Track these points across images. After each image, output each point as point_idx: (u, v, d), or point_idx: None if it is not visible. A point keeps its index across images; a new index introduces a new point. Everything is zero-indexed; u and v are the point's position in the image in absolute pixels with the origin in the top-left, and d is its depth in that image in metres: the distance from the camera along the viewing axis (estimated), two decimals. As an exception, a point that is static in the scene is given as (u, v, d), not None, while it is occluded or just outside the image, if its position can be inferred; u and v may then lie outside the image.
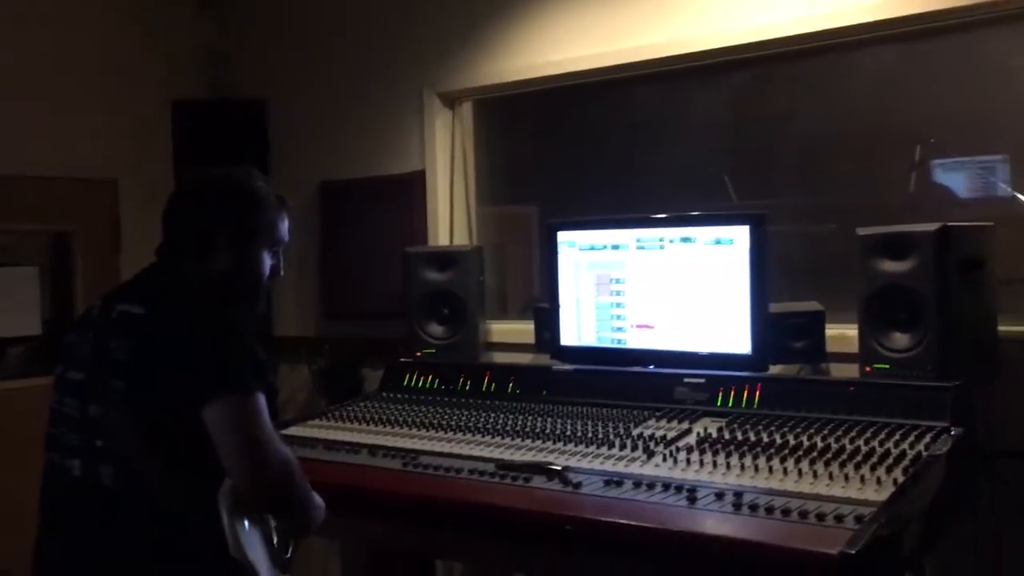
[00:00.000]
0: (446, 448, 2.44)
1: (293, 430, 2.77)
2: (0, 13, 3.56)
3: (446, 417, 2.69)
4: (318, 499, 1.89)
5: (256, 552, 1.72)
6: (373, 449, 2.49)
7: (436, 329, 3.25)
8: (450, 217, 3.70)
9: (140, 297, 1.81)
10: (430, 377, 3.05)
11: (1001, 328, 2.42)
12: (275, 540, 1.85)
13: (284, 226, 2.00)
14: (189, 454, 1.67)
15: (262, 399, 1.69)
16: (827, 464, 2.01)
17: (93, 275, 3.73)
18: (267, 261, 1.96)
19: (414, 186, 3.69)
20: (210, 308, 1.77)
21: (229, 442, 1.64)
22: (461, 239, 3.69)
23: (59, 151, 3.68)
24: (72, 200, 3.68)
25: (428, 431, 2.60)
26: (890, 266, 2.39)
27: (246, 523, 1.72)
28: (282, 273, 2.01)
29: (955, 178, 2.90)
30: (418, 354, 3.22)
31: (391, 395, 3.04)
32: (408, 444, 2.51)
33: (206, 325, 1.73)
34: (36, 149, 3.61)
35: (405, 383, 3.08)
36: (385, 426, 2.69)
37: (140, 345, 1.72)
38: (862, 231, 2.44)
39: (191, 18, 4.21)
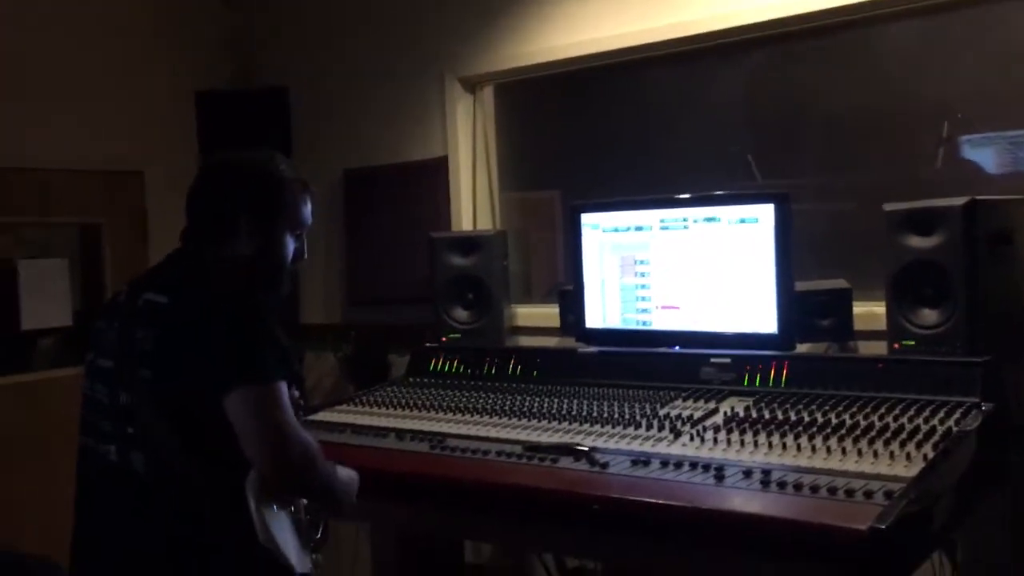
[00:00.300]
0: (473, 431, 2.45)
1: (321, 415, 2.79)
2: (24, 7, 3.59)
3: (472, 400, 2.70)
4: (350, 472, 1.91)
5: (285, 538, 1.72)
6: (400, 433, 2.50)
7: (461, 314, 3.26)
8: (473, 202, 3.70)
9: (164, 285, 1.82)
10: (456, 361, 3.06)
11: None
12: (304, 524, 1.86)
13: (307, 209, 1.99)
14: (215, 444, 1.68)
15: (283, 387, 1.69)
16: (856, 441, 2.00)
17: (122, 265, 3.77)
18: (290, 244, 1.95)
19: (437, 172, 3.69)
20: (231, 293, 1.77)
21: (249, 429, 1.65)
22: (484, 224, 3.70)
23: (86, 144, 3.71)
24: (100, 192, 3.72)
25: (455, 414, 2.61)
26: (917, 242, 2.36)
27: (275, 510, 1.73)
28: (305, 257, 2.01)
29: (984, 153, 2.86)
30: (444, 339, 3.23)
31: (417, 380, 3.06)
32: (435, 427, 2.52)
33: (227, 311, 1.73)
34: (63, 143, 3.65)
35: (431, 368, 3.10)
36: (412, 410, 2.71)
37: (164, 334, 1.73)
38: (889, 207, 2.42)
39: (214, 8, 4.23)
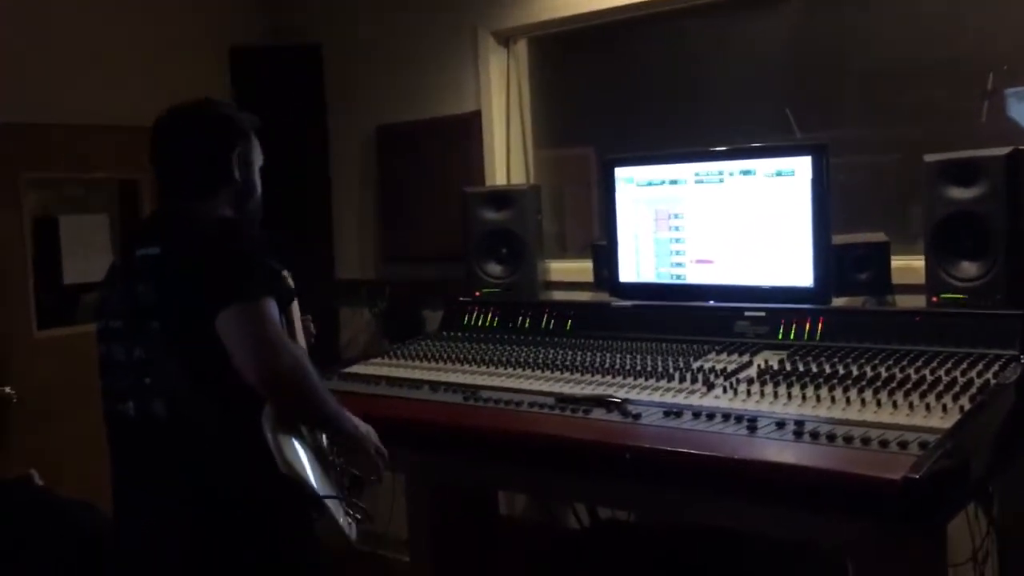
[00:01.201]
0: (506, 383, 2.46)
1: (355, 368, 2.82)
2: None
3: (506, 354, 2.71)
4: (367, 426, 1.95)
5: (301, 463, 1.75)
6: (434, 385, 2.53)
7: (495, 268, 3.26)
8: (507, 157, 3.68)
9: (154, 238, 1.88)
10: (489, 316, 3.07)
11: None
12: (325, 455, 1.89)
13: (259, 149, 2.06)
14: (227, 381, 1.72)
15: (270, 303, 1.74)
16: (891, 393, 1.98)
17: (160, 221, 3.81)
18: (259, 183, 2.04)
19: (470, 127, 3.68)
20: (217, 231, 1.84)
21: (238, 343, 1.70)
22: (518, 180, 3.68)
23: (123, 100, 3.74)
24: (137, 148, 3.71)
25: (488, 367, 2.63)
26: (958, 193, 2.32)
27: (294, 441, 1.76)
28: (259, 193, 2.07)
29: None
30: (477, 293, 3.24)
31: (451, 334, 3.07)
32: (469, 380, 2.54)
33: (213, 246, 1.80)
34: (101, 99, 3.68)
35: (465, 322, 3.11)
36: (446, 363, 2.73)
37: (162, 283, 1.80)
38: (929, 157, 2.38)
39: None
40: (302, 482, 1.73)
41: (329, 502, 1.78)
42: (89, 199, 3.86)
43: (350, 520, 1.86)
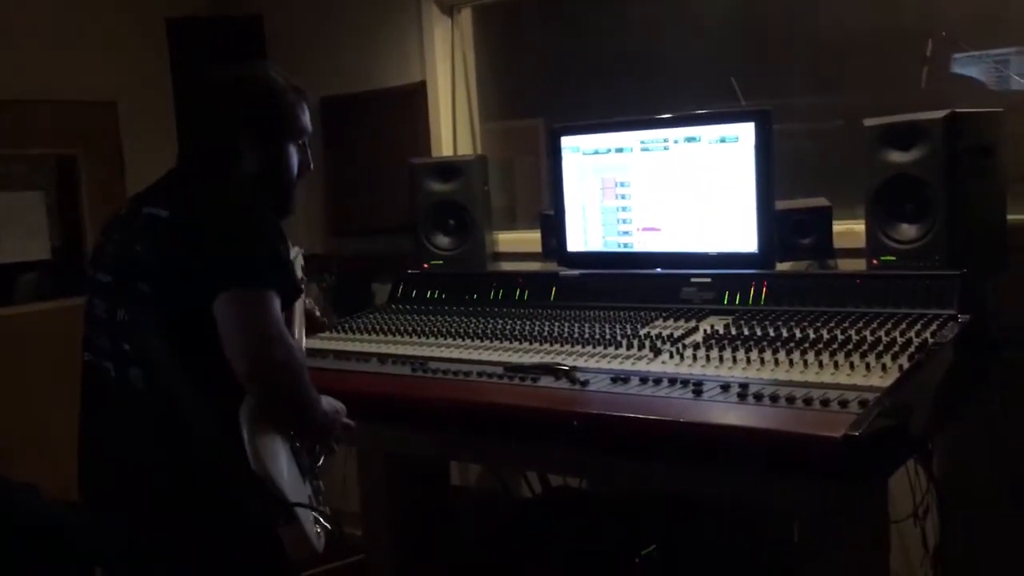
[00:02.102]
0: (455, 354, 2.46)
1: (304, 343, 2.79)
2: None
3: (454, 325, 2.70)
4: (333, 401, 1.90)
5: (278, 468, 1.70)
6: (383, 357, 2.51)
7: (443, 240, 3.24)
8: (453, 129, 3.66)
9: (165, 200, 1.78)
10: (438, 288, 3.06)
11: (1011, 217, 2.39)
12: (301, 452, 1.85)
13: (306, 117, 1.95)
14: (212, 363, 1.64)
15: (273, 296, 1.66)
16: (832, 355, 2.01)
17: (99, 198, 3.73)
18: (294, 156, 1.92)
19: (416, 98, 3.64)
20: (233, 206, 1.74)
21: (231, 332, 1.62)
22: (465, 151, 3.66)
23: (59, 75, 3.65)
24: (73, 123, 3.66)
25: (437, 339, 2.62)
26: (897, 156, 2.35)
27: (272, 441, 1.71)
28: (311, 167, 1.98)
29: (968, 73, 2.83)
30: (425, 265, 3.22)
31: (400, 307, 3.06)
32: (417, 352, 2.53)
33: (226, 221, 1.70)
34: (35, 73, 3.58)
35: (413, 295, 3.10)
36: (394, 335, 2.71)
37: (163, 247, 1.71)
38: (869, 122, 2.40)
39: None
40: (273, 485, 1.66)
41: (300, 511, 1.72)
42: (26, 176, 3.75)
43: (319, 530, 1.79)
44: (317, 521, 1.79)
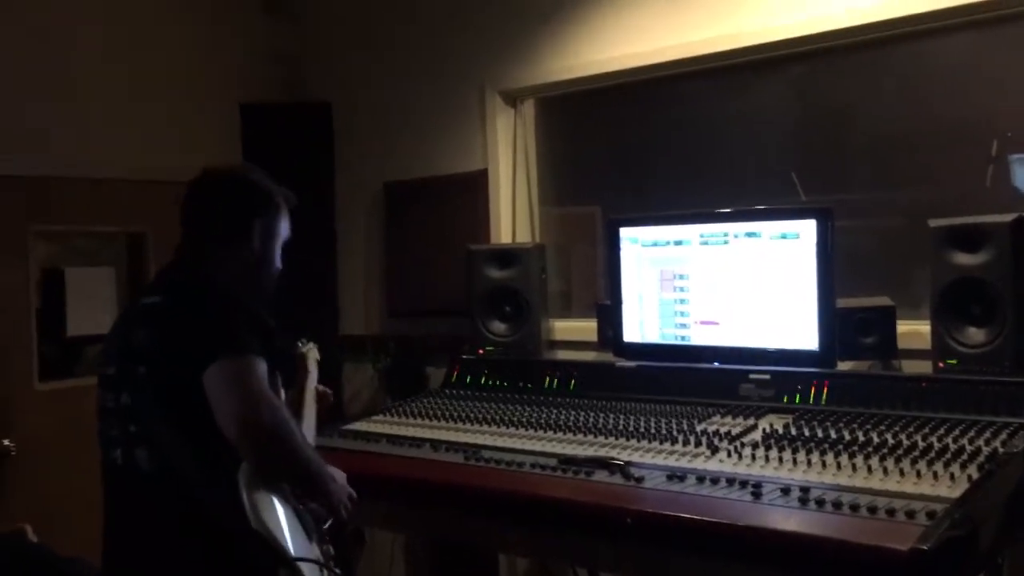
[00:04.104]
0: (508, 443, 2.44)
1: (356, 425, 2.80)
2: (74, 16, 3.67)
3: (508, 413, 2.69)
4: (337, 472, 1.96)
5: (277, 523, 1.74)
6: (435, 443, 2.50)
7: (499, 327, 3.25)
8: (512, 216, 3.70)
9: (160, 288, 1.93)
10: (493, 374, 3.06)
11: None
12: (304, 512, 1.88)
13: (287, 221, 2.09)
14: (209, 434, 1.72)
15: (259, 361, 1.75)
16: (898, 461, 1.95)
17: (166, 275, 3.81)
18: (279, 254, 2.06)
19: (477, 185, 3.70)
20: (216, 287, 1.88)
21: (222, 396, 1.70)
22: (524, 238, 3.69)
23: (133, 155, 3.78)
24: (146, 203, 3.77)
25: (490, 426, 2.61)
26: (963, 259, 2.32)
27: (271, 499, 1.75)
28: (280, 268, 2.08)
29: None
30: (481, 351, 3.23)
31: (454, 392, 3.05)
32: (470, 439, 2.51)
33: (210, 300, 1.83)
34: (110, 151, 3.71)
35: (468, 380, 3.10)
36: (448, 421, 2.71)
37: (156, 331, 1.83)
38: (934, 222, 2.38)
39: (258, 21, 4.29)
40: (273, 540, 1.71)
41: (305, 565, 1.74)
42: (97, 252, 3.87)
43: None
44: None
